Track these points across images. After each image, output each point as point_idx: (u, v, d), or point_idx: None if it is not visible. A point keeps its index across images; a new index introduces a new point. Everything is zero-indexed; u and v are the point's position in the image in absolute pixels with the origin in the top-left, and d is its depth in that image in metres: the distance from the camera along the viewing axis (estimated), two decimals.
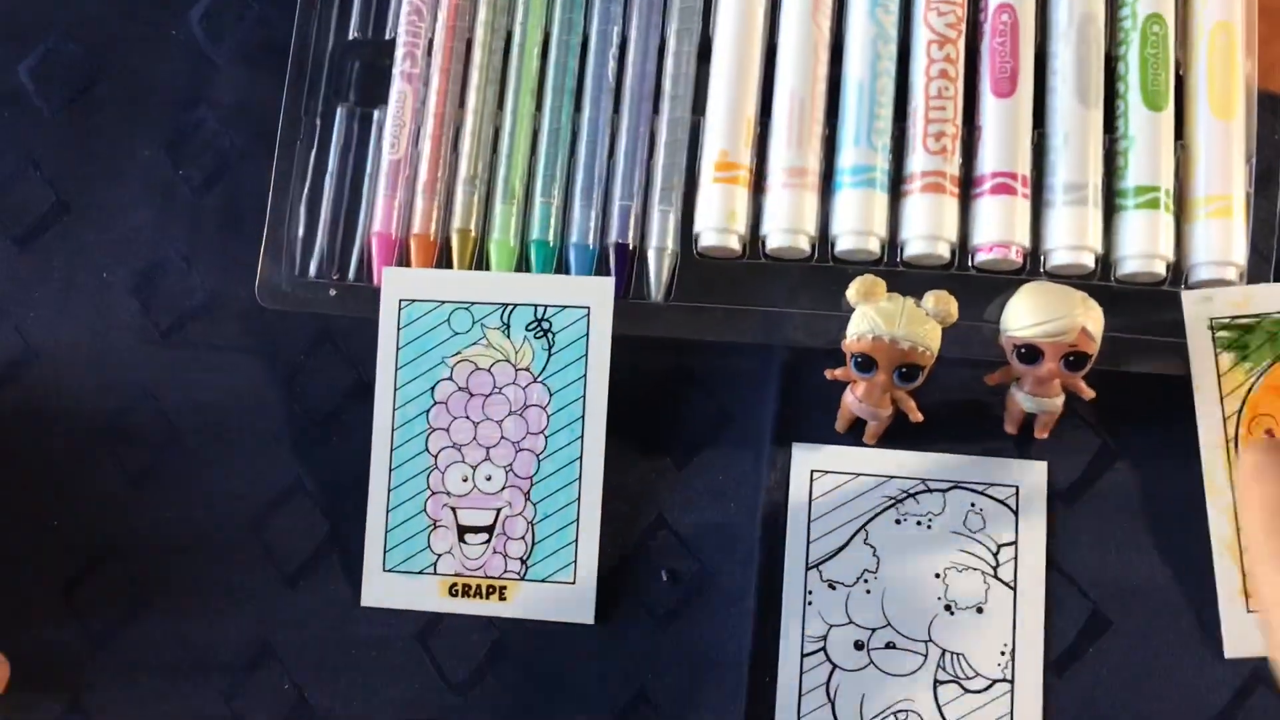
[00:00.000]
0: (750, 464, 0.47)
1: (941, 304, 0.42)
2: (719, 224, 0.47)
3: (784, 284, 0.47)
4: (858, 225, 0.46)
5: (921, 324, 0.42)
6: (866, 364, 0.43)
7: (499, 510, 0.46)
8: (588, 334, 0.46)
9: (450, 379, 0.46)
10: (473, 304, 0.47)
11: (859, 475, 0.46)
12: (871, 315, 0.42)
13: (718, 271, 0.48)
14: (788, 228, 0.46)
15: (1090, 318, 0.41)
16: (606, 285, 0.46)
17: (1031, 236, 0.46)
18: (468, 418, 0.46)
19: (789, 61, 0.48)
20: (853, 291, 0.43)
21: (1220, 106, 0.46)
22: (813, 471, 0.46)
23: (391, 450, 0.46)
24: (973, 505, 0.46)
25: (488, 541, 0.46)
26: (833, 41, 0.48)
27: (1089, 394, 0.43)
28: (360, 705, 0.46)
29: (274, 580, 0.48)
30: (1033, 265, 0.46)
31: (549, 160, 0.48)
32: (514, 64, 0.49)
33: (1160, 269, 0.45)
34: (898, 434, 0.46)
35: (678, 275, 0.48)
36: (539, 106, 0.49)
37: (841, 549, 0.46)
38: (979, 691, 0.44)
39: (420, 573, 0.46)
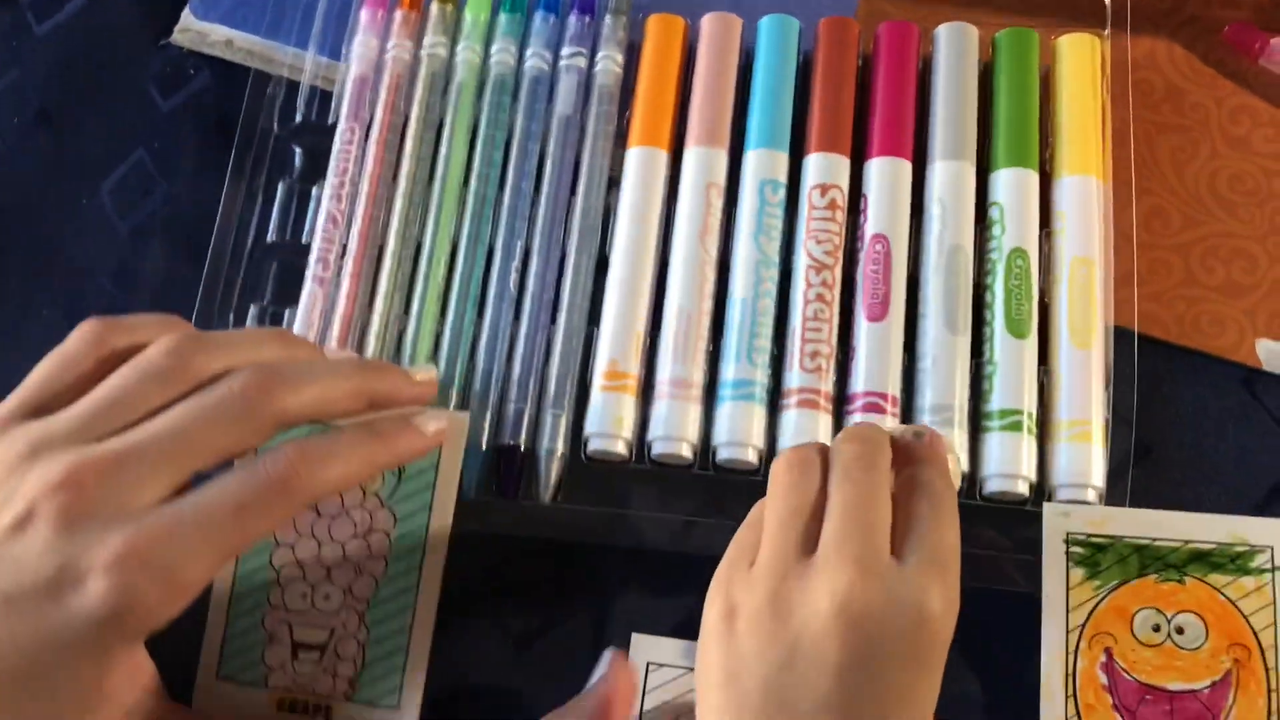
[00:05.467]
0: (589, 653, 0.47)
1: None
2: (606, 429, 0.49)
3: (665, 489, 0.49)
4: (736, 436, 0.48)
5: None
6: None
7: (333, 630, 0.46)
8: (438, 463, 0.47)
9: None
10: None
11: (690, 670, 0.46)
12: None
13: (603, 475, 0.49)
14: (671, 435, 0.49)
15: None
16: (460, 418, 0.47)
17: None
18: (313, 536, 0.47)
19: (678, 279, 0.51)
20: None
21: (1080, 336, 0.49)
22: (649, 663, 0.47)
23: (237, 561, 0.47)
24: None
25: (319, 660, 0.46)
26: (720, 261, 0.51)
27: None
28: None
29: None
30: None
31: (449, 363, 0.51)
32: (422, 271, 0.52)
33: (1023, 488, 0.47)
34: None
35: (564, 478, 0.50)
36: (443, 312, 0.52)
37: None
38: None
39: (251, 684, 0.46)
